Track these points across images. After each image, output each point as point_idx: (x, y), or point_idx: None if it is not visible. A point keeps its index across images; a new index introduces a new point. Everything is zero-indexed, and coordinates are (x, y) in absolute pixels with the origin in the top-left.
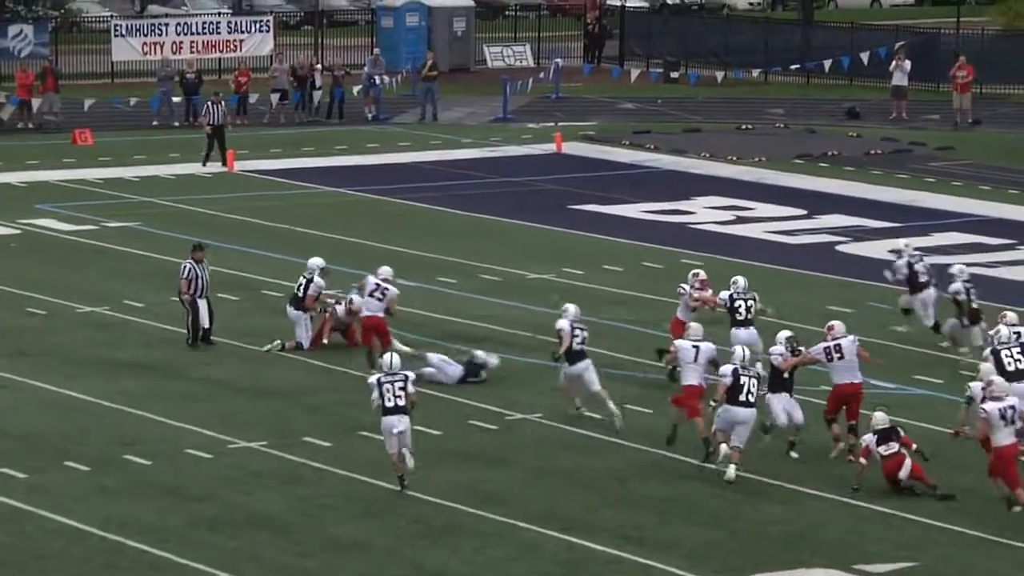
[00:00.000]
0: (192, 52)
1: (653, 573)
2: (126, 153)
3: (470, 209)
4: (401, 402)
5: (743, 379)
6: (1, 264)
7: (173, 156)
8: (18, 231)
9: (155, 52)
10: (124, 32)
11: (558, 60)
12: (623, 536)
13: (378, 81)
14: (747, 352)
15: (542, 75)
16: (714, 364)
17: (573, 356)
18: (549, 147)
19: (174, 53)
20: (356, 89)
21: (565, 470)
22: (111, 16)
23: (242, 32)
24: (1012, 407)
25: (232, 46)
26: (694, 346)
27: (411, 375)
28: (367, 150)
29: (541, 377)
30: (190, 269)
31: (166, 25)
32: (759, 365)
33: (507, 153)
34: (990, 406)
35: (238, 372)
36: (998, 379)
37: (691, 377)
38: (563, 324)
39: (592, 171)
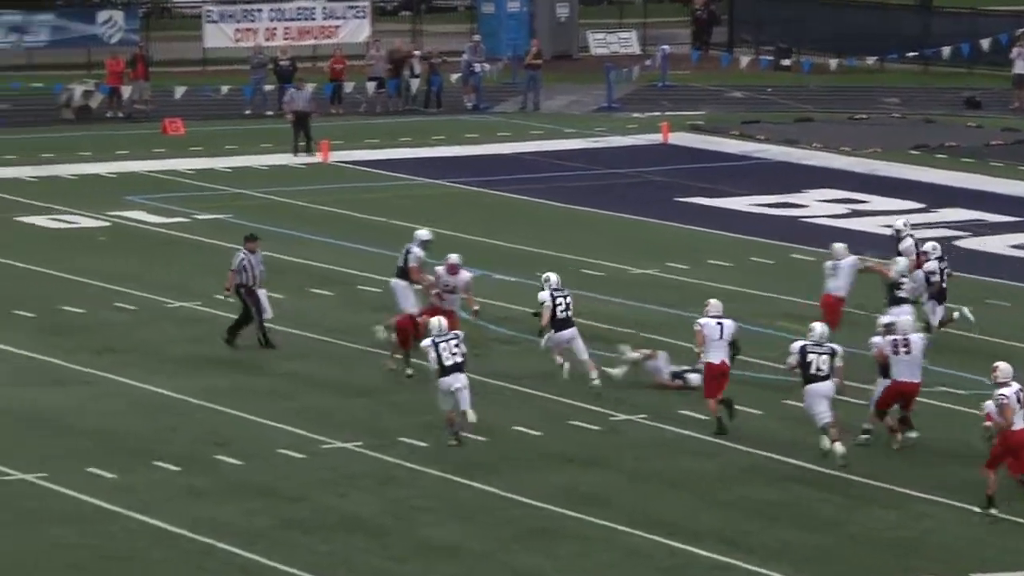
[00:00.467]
0: (286, 39)
1: None
2: (217, 143)
3: (572, 202)
4: (459, 359)
5: (810, 356)
6: (89, 258)
7: (265, 146)
8: (107, 223)
9: (248, 39)
10: (216, 18)
11: (665, 47)
12: (728, 541)
13: (478, 69)
14: (825, 329)
15: (648, 62)
16: (733, 345)
17: (559, 324)
18: (655, 137)
19: (267, 40)
20: (455, 77)
21: (669, 472)
22: (203, 2)
23: (337, 18)
24: (1021, 390)
25: (327, 32)
26: (718, 323)
27: (461, 334)
28: (466, 140)
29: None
30: (242, 259)
31: (259, 11)
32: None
33: (611, 144)
34: (1009, 391)
35: (329, 369)
36: (1003, 365)
37: (716, 354)
38: (544, 296)
39: (699, 162)
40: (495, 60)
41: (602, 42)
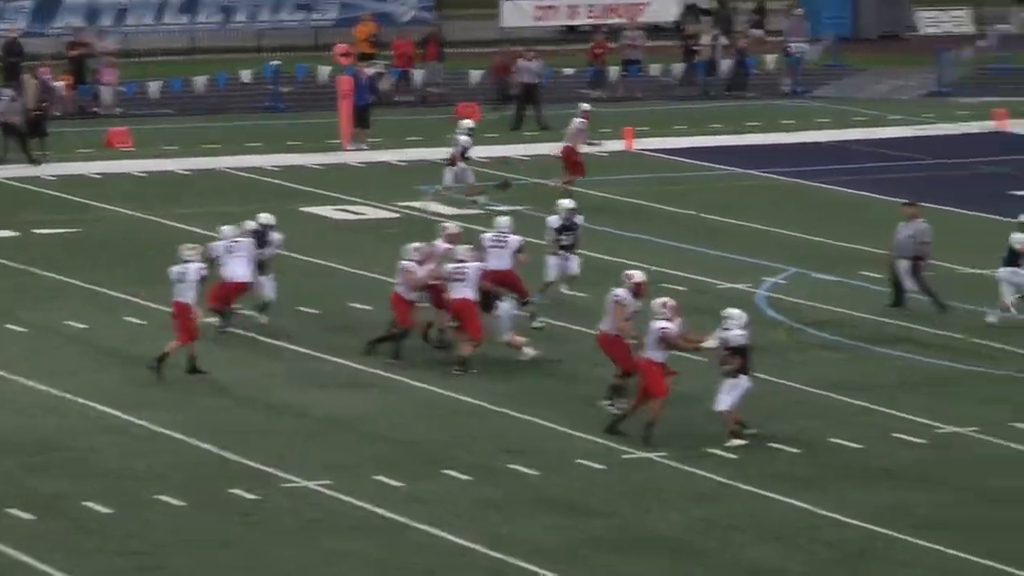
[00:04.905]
0: (590, 17)
1: None
2: (518, 128)
3: (897, 194)
4: None
5: None
6: (378, 251)
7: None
8: (397, 215)
9: (548, 17)
10: None
11: (1002, 26)
12: None
13: (794, 49)
14: None
15: (983, 43)
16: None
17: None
18: (990, 125)
19: (570, 19)
20: (772, 59)
21: (1003, 491)
22: None
23: None
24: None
25: (633, 11)
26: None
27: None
28: (782, 127)
29: (975, 385)
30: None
31: None
32: None
33: (941, 132)
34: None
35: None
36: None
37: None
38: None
39: None
40: (816, 41)
41: (933, 21)
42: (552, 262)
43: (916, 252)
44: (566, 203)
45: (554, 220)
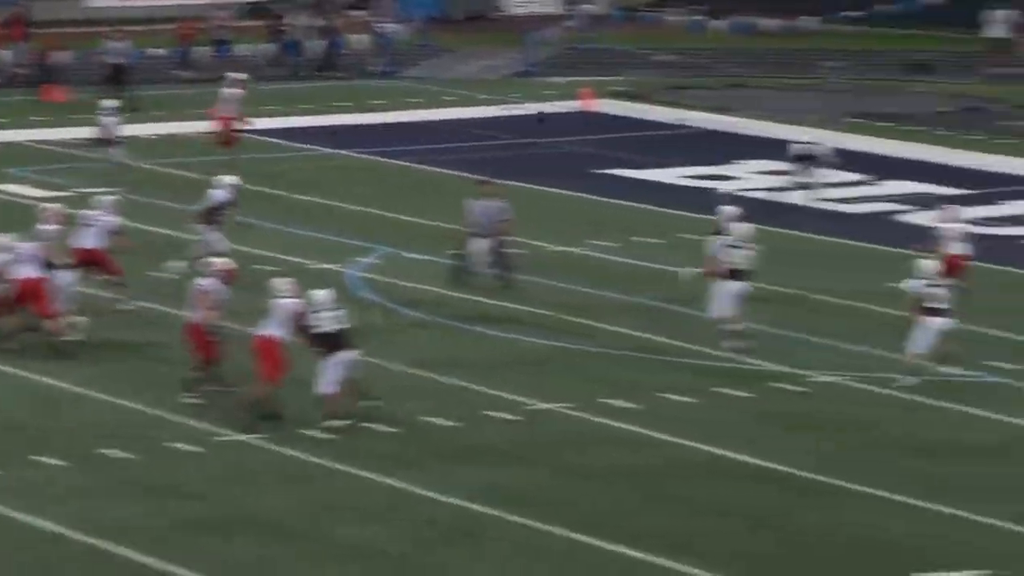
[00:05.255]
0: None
1: None
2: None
3: (484, 173)
4: None
5: None
6: None
7: (157, 114)
8: None
9: None
10: None
11: (587, 6)
12: (666, 543)
13: (383, 30)
14: None
15: (569, 23)
16: None
17: None
18: (575, 104)
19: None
20: (359, 38)
21: (597, 468)
22: None
23: None
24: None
25: None
26: None
27: None
28: (372, 107)
29: (570, 363)
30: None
31: None
32: None
33: (528, 111)
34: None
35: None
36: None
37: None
38: None
39: (623, 131)
40: (407, 21)
41: (521, 1)
42: (216, 236)
43: (494, 229)
44: (229, 179)
45: (220, 194)
